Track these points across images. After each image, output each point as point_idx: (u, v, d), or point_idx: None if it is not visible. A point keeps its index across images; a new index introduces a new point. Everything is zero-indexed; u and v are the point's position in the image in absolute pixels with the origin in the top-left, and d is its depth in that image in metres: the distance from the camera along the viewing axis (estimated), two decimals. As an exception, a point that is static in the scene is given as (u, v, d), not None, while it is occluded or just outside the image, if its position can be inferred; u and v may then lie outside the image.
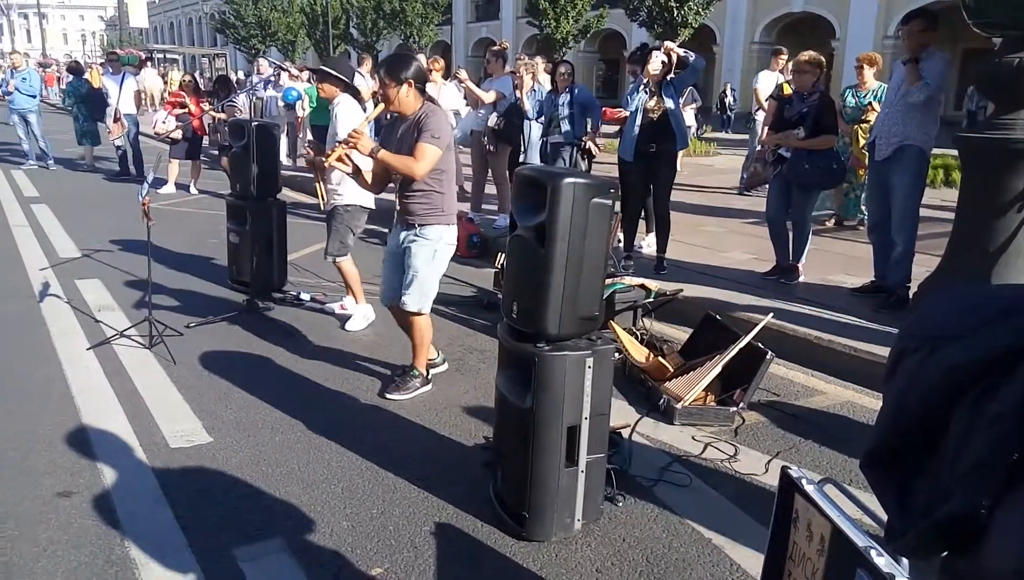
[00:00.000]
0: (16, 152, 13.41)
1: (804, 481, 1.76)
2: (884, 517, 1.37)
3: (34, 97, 12.76)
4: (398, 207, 3.98)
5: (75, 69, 13.91)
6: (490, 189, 8.33)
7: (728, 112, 22.03)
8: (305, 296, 5.79)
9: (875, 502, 1.44)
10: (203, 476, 3.21)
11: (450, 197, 3.92)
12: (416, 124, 3.74)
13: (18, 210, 9.20)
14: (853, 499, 1.74)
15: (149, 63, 20.99)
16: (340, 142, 3.82)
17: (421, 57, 11.04)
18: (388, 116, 4.16)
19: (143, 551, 2.67)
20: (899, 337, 1.05)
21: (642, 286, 5.03)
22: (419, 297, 3.90)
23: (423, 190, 3.80)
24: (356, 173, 3.96)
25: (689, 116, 8.55)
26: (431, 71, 9.35)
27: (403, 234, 3.93)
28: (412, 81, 3.73)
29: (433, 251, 3.88)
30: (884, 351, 4.33)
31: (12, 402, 3.88)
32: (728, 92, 22.41)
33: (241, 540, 2.75)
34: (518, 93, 7.90)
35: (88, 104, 12.36)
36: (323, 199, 5.04)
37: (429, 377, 4.16)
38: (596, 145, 7.39)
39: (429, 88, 9.41)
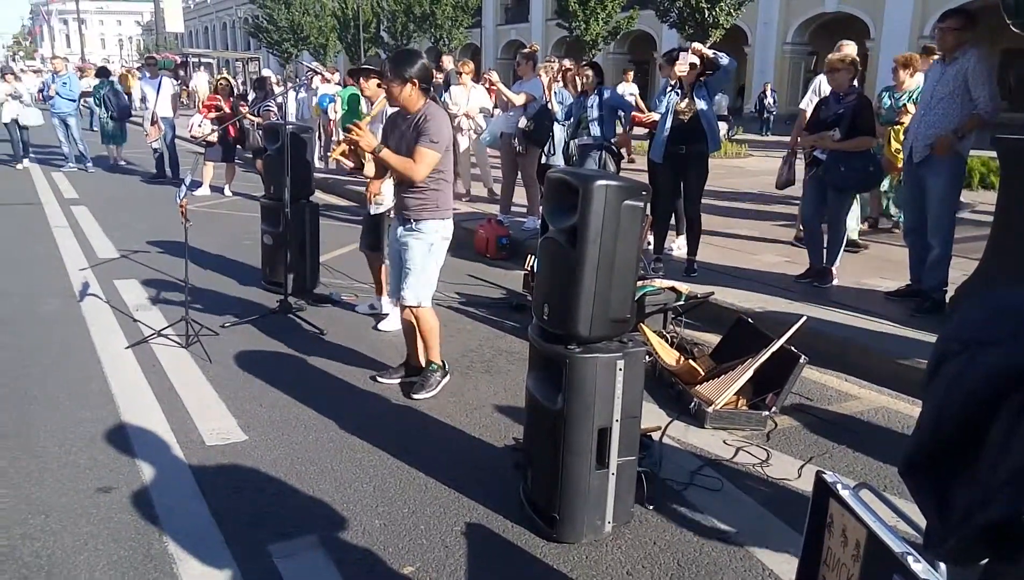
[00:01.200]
0: (56, 154, 13.73)
1: (839, 486, 1.75)
2: (921, 523, 1.36)
3: (74, 101, 13.08)
4: (395, 202, 4.07)
5: (101, 72, 14.86)
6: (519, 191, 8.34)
7: (767, 113, 21.61)
8: (337, 297, 5.86)
9: (911, 508, 1.43)
10: (238, 473, 3.26)
11: (446, 193, 3.96)
12: (415, 126, 3.78)
13: (58, 212, 9.41)
14: (889, 504, 1.73)
15: (202, 68, 21.38)
16: (343, 139, 3.88)
17: (445, 60, 11.12)
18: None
19: (181, 546, 2.72)
20: (940, 341, 1.05)
21: (672, 289, 5.01)
22: (417, 290, 3.96)
23: (420, 188, 3.85)
24: (359, 169, 4.05)
25: None
26: (460, 74, 9.43)
27: (400, 229, 4.00)
28: (416, 80, 3.76)
29: (429, 245, 3.93)
30: (920, 356, 4.27)
31: (54, 399, 3.98)
32: (768, 93, 22.04)
33: (276, 537, 2.79)
34: (548, 95, 7.92)
35: (107, 106, 13.01)
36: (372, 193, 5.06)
37: (447, 368, 4.20)
38: (628, 146, 7.40)
39: (458, 90, 9.51)
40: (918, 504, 1.14)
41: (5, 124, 12.89)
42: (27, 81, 22.91)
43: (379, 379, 4.29)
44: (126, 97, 13.00)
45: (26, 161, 13.22)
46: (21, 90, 13.06)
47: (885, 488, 3.13)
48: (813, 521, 1.87)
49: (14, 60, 63.05)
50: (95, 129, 13.38)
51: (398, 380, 4.27)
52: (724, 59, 5.79)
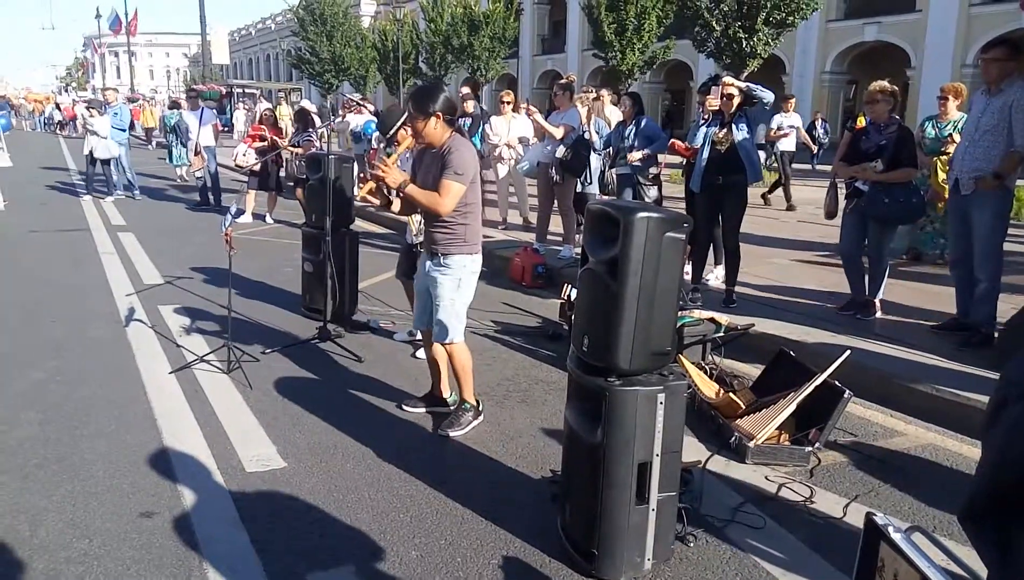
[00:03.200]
0: (105, 183, 14.12)
1: (891, 528, 1.70)
2: (979, 569, 1.31)
3: (124, 131, 13.48)
4: (424, 236, 4.05)
5: (172, 104, 16.70)
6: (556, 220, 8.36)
7: (818, 144, 20.73)
8: (375, 324, 5.90)
9: (965, 553, 1.38)
10: (277, 501, 3.28)
11: (474, 228, 3.91)
12: (440, 158, 3.74)
13: (106, 238, 9.67)
14: (944, 550, 1.67)
15: (263, 98, 21.92)
16: (369, 176, 3.85)
17: (464, 90, 11.15)
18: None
19: (220, 573, 2.74)
20: (1000, 385, 1.02)
21: (712, 320, 4.96)
22: (449, 328, 3.91)
23: (448, 221, 3.81)
24: (387, 206, 4.01)
25: None
26: (503, 103, 9.55)
27: (428, 264, 3.96)
28: (440, 113, 3.73)
29: (458, 280, 3.88)
30: (968, 392, 4.16)
31: (100, 423, 4.06)
32: (818, 123, 21.51)
33: (314, 566, 2.79)
34: (586, 125, 7.97)
35: (176, 133, 14.24)
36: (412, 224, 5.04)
37: (481, 409, 4.17)
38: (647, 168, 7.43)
39: (498, 120, 9.60)
40: (978, 552, 1.11)
41: (86, 156, 13.18)
42: (79, 112, 23.77)
43: (404, 408, 4.31)
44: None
45: (135, 194, 13.56)
46: (97, 126, 13.11)
47: (935, 529, 3.04)
48: (863, 565, 1.81)
49: (67, 91, 65.29)
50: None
51: (422, 410, 4.28)
52: (765, 95, 5.74)
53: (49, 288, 7.02)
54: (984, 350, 4.78)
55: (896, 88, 5.53)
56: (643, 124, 7.52)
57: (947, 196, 6.16)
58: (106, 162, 13.18)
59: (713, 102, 6.30)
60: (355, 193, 3.94)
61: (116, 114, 13.31)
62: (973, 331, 4.99)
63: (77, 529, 3.02)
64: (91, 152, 13.05)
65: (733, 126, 5.85)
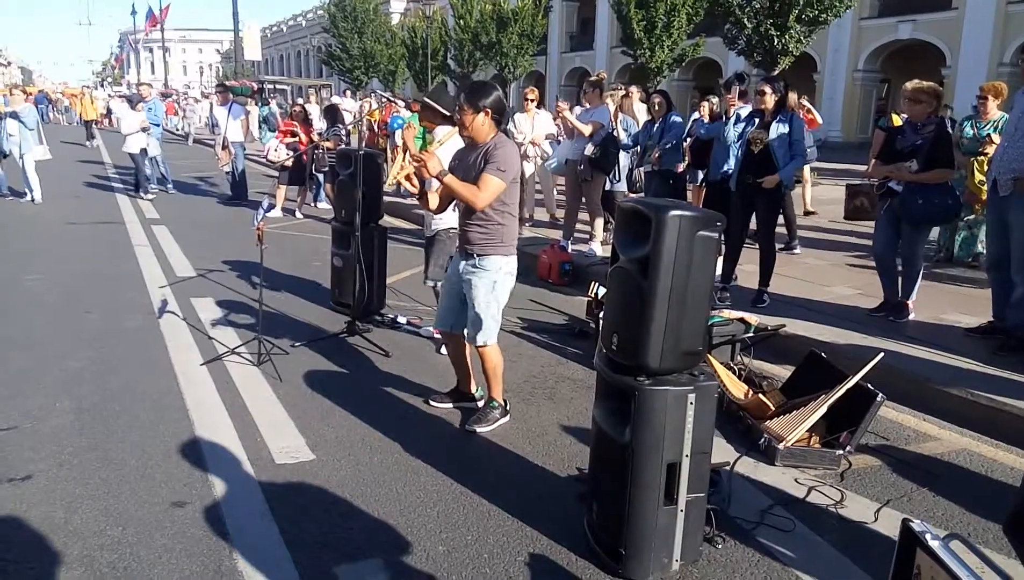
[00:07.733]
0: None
1: (928, 536, 1.67)
2: (1021, 580, 1.28)
3: (158, 125, 13.65)
4: (459, 234, 4.02)
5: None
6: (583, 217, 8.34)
7: None
8: (402, 319, 5.93)
9: (1003, 561, 1.36)
10: (307, 493, 3.31)
11: (511, 228, 3.87)
12: (484, 154, 3.73)
13: (140, 231, 9.82)
14: (984, 558, 1.64)
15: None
16: (409, 161, 3.85)
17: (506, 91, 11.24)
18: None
19: (250, 564, 2.77)
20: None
21: (741, 320, 4.92)
22: (484, 331, 3.89)
23: (484, 220, 3.78)
24: (421, 195, 4.00)
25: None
26: (527, 100, 9.53)
27: (462, 264, 3.92)
28: (489, 110, 3.73)
29: (492, 282, 3.84)
30: (1004, 397, 4.09)
31: (134, 413, 4.12)
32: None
33: (342, 558, 2.82)
34: (614, 123, 7.93)
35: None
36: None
37: (508, 408, 4.17)
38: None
39: (522, 118, 9.56)
40: (1023, 562, 1.08)
41: (131, 154, 12.96)
42: (115, 106, 23.96)
43: (431, 403, 4.32)
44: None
45: (168, 188, 13.55)
46: (125, 120, 13.04)
47: (969, 536, 2.98)
48: (898, 571, 1.78)
49: (102, 86, 66.22)
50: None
51: (449, 405, 4.29)
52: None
53: (85, 279, 7.15)
54: (1021, 355, 4.69)
55: (940, 88, 5.43)
56: (670, 120, 7.48)
57: (984, 198, 6.04)
58: (152, 158, 13.34)
59: (735, 101, 6.27)
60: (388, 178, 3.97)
61: (150, 109, 13.48)
62: (1009, 335, 4.89)
63: (111, 517, 3.08)
64: (144, 149, 13.00)
65: (775, 124, 5.76)
